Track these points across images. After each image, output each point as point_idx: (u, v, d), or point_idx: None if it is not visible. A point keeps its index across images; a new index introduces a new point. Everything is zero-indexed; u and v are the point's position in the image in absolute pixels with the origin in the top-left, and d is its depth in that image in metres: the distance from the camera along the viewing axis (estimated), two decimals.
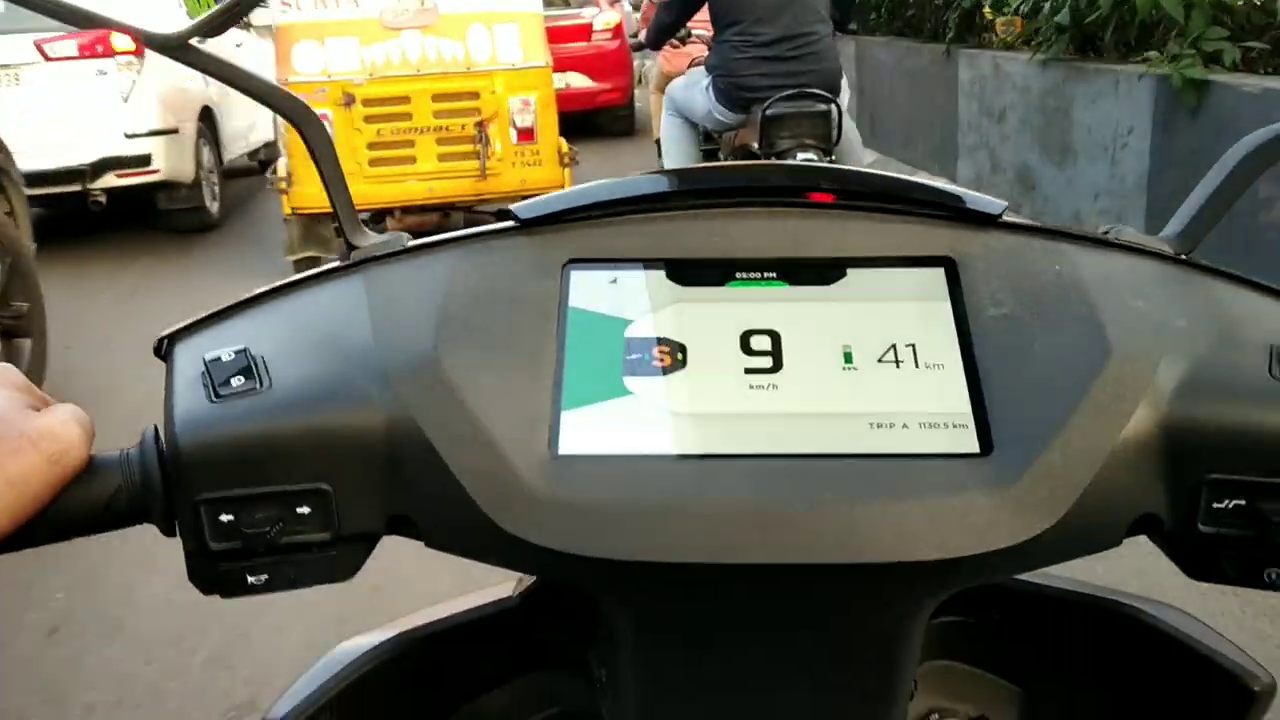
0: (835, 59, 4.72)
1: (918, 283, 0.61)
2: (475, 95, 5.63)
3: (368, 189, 5.58)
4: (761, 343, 0.59)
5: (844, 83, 4.77)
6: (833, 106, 4.44)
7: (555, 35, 10.66)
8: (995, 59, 5.23)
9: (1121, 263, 0.63)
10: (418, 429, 0.55)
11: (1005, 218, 0.63)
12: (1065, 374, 0.56)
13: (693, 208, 0.63)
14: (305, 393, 0.56)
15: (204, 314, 0.62)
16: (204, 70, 0.63)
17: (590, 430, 0.56)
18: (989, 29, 5.26)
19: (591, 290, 0.61)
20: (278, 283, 0.63)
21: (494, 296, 0.60)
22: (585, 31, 10.76)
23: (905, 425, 0.56)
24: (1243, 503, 0.55)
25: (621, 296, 0.60)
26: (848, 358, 0.58)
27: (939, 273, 0.61)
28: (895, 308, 0.60)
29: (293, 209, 5.62)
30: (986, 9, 5.17)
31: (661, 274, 0.61)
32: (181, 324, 0.61)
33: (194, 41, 0.61)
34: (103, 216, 7.09)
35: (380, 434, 0.55)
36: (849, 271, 0.61)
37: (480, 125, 5.64)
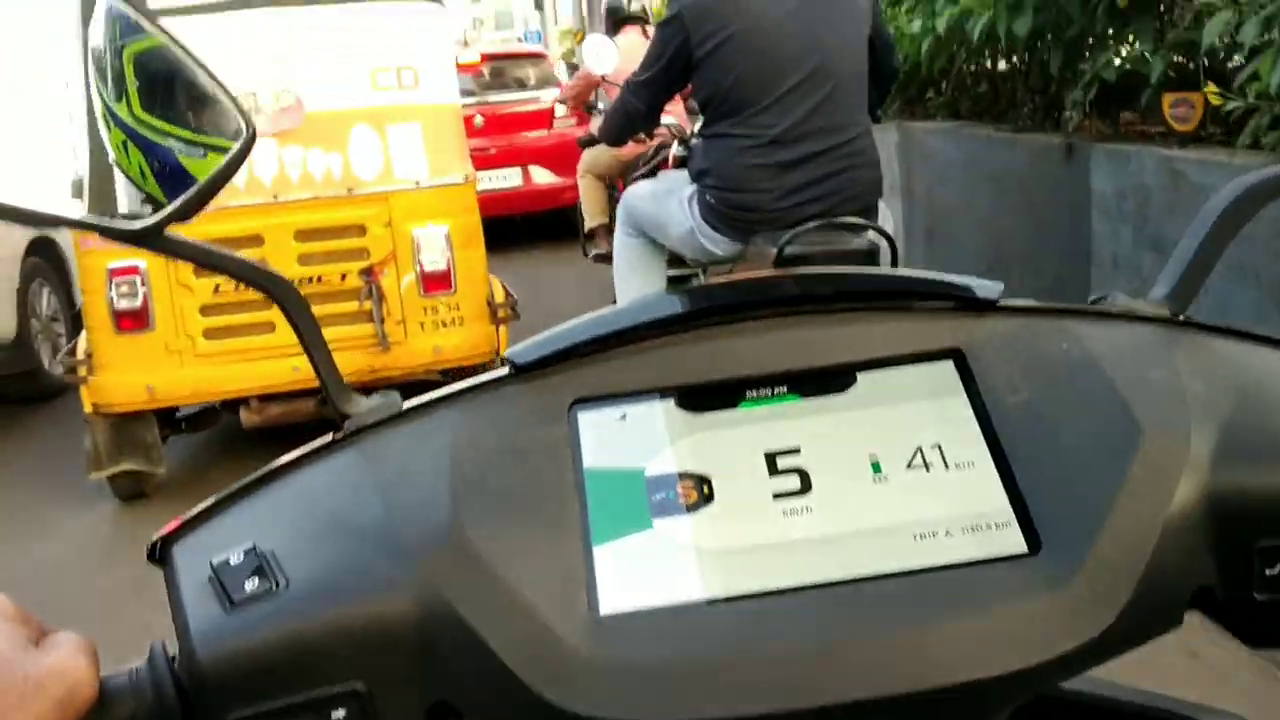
0: (877, 165, 3.08)
1: (930, 379, 0.61)
2: (361, 230, 3.83)
3: (202, 372, 3.77)
4: (786, 463, 0.58)
5: (882, 199, 3.09)
6: (882, 242, 2.73)
7: (510, 123, 9.08)
8: (1165, 159, 2.97)
9: (1124, 332, 0.63)
10: (450, 607, 0.53)
11: (1004, 301, 0.63)
12: (1100, 457, 0.56)
13: (693, 329, 0.62)
14: (326, 586, 0.54)
15: (197, 510, 0.59)
16: (181, 257, 0.61)
17: (628, 583, 0.54)
18: (1142, 114, 3.42)
19: (602, 431, 0.59)
20: (271, 465, 0.60)
21: (503, 452, 0.58)
22: (546, 118, 9.05)
23: (948, 533, 0.55)
24: None
25: (634, 433, 0.59)
26: (876, 468, 0.58)
27: (948, 366, 0.61)
28: (913, 408, 0.60)
29: (94, 405, 3.79)
30: (1209, 93, 2.87)
31: (670, 403, 0.60)
32: (175, 524, 0.59)
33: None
34: None
35: (411, 618, 0.53)
36: (859, 376, 0.61)
37: (369, 273, 3.83)
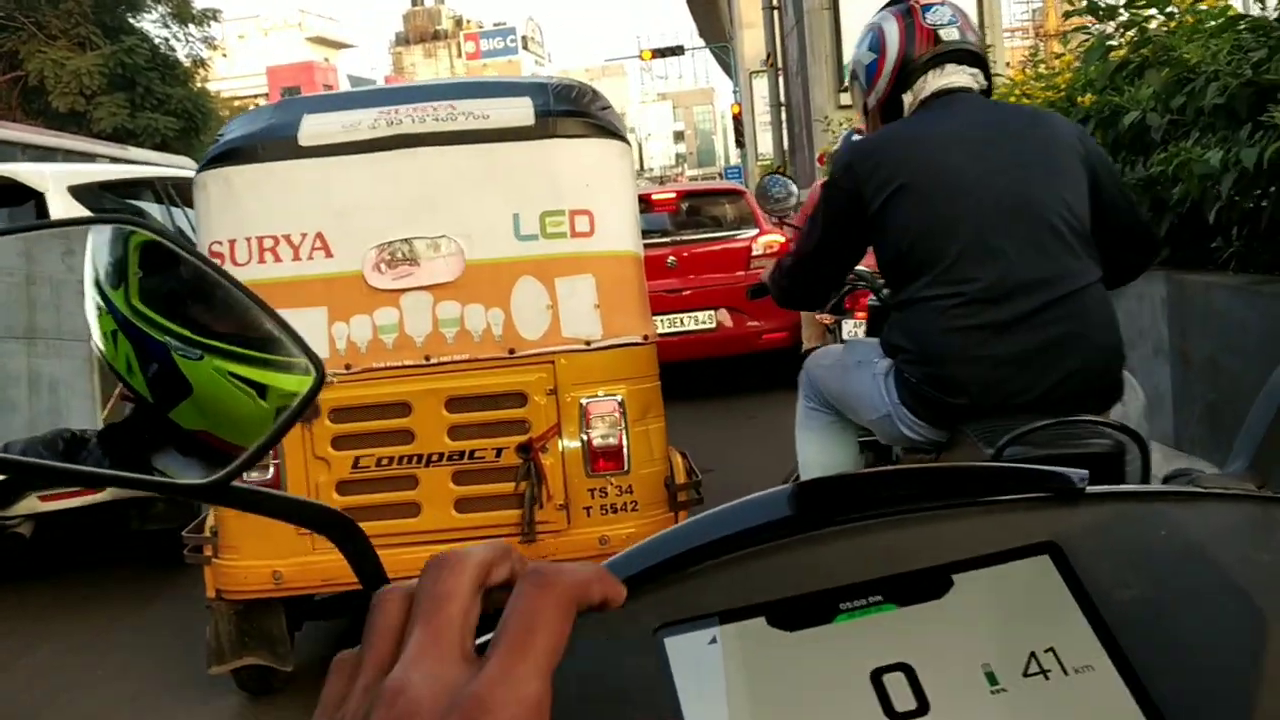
0: (1115, 327, 2.22)
1: (1029, 576, 0.58)
2: (521, 398, 3.28)
3: (335, 557, 3.25)
4: (896, 680, 0.54)
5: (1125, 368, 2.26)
6: (1133, 448, 1.96)
7: (705, 263, 8.64)
8: None
9: (1223, 513, 0.61)
10: None
11: (1089, 488, 0.61)
12: (1229, 653, 0.53)
13: (779, 540, 0.60)
14: None
15: None
16: (250, 509, 0.60)
17: None
18: None
19: (692, 656, 0.55)
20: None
21: (590, 692, 0.54)
22: (742, 257, 8.52)
23: None
24: None
25: (727, 657, 0.56)
26: (991, 679, 0.54)
27: (1045, 561, 0.58)
28: (1016, 608, 0.57)
29: (218, 591, 3.32)
30: None
31: (762, 621, 0.57)
32: None
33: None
34: None
35: None
36: (955, 579, 0.58)
37: (528, 448, 3.27)
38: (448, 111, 3.38)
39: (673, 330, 8.35)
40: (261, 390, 0.62)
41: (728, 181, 15.53)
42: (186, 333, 0.60)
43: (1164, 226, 3.97)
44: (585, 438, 3.27)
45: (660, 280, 8.32)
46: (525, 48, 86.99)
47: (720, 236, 8.74)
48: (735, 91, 34.33)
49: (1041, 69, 6.81)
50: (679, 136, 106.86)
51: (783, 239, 8.60)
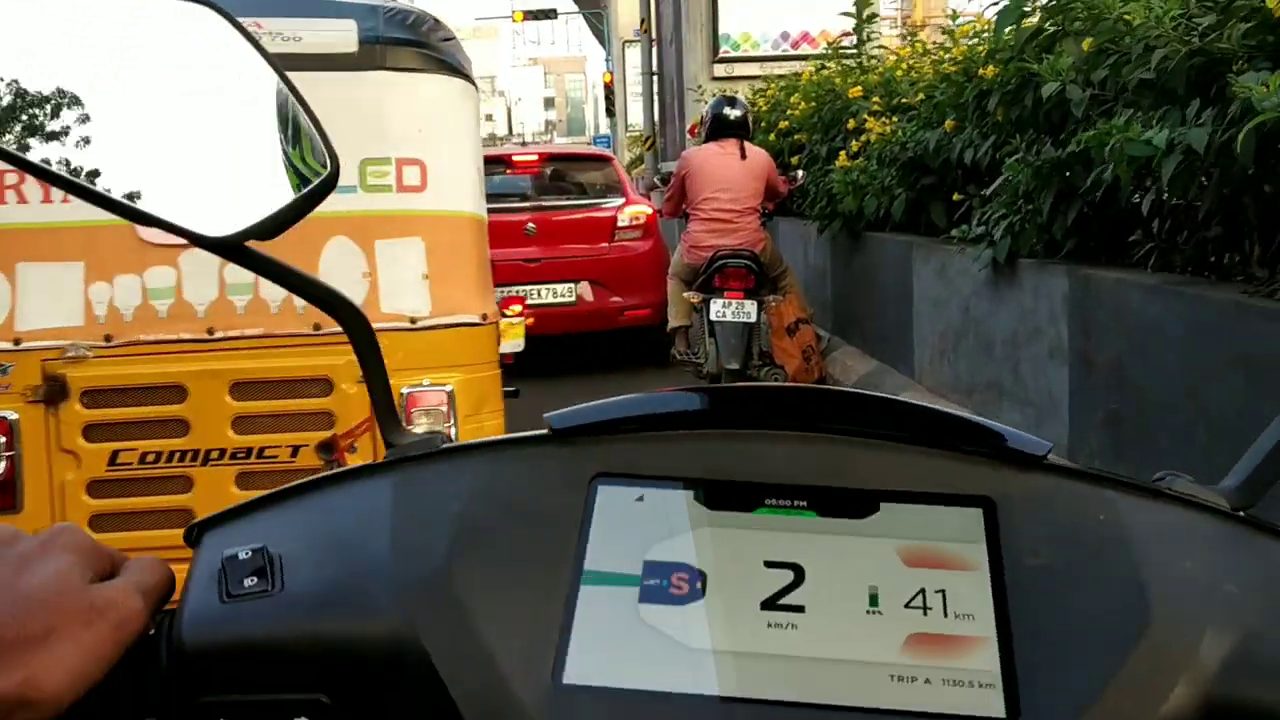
0: None
1: (954, 523, 0.59)
2: (326, 385, 2.67)
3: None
4: (785, 577, 0.58)
5: None
6: None
7: (565, 231, 8.01)
8: None
9: (1172, 516, 0.60)
10: (421, 647, 0.55)
11: (1050, 459, 0.62)
12: (1102, 639, 0.54)
13: (727, 427, 0.63)
14: (315, 598, 0.57)
15: (238, 504, 0.63)
16: (258, 271, 0.64)
17: (598, 659, 0.55)
18: None
19: (617, 507, 0.60)
20: (311, 478, 0.65)
21: (518, 508, 0.60)
22: (607, 227, 7.99)
23: (928, 681, 0.54)
24: None
25: (647, 516, 0.60)
26: (873, 600, 0.57)
27: (977, 514, 0.59)
28: (928, 548, 0.58)
29: None
30: None
31: (689, 495, 0.61)
32: (214, 513, 0.63)
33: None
34: None
35: (384, 647, 0.55)
36: (882, 506, 0.60)
37: (331, 447, 2.66)
38: (251, 30, 2.73)
39: (530, 303, 7.78)
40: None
41: (596, 147, 14.91)
42: None
43: (1071, 215, 3.60)
44: None
45: (518, 249, 7.72)
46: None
47: (584, 204, 8.18)
48: (608, 60, 33.74)
49: (928, 45, 6.48)
50: (549, 103, 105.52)
51: (650, 210, 8.10)
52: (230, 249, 0.63)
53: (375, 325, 2.25)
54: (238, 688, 0.55)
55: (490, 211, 3.17)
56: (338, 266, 2.67)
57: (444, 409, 2.71)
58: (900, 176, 5.31)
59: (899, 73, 6.30)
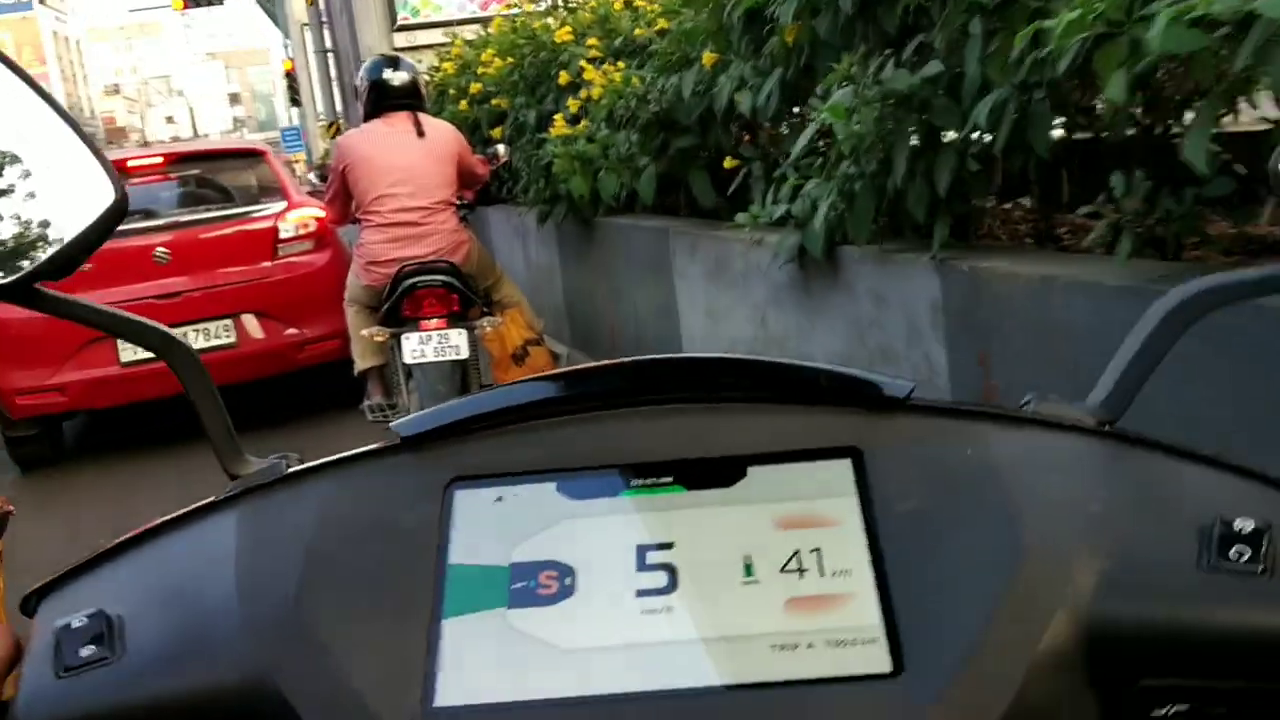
0: None
1: (823, 478, 0.58)
2: None
3: None
4: (656, 558, 0.56)
5: None
6: None
7: (212, 251, 6.06)
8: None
9: (1039, 439, 0.60)
10: (277, 690, 0.51)
11: (914, 399, 0.60)
12: (978, 577, 0.53)
13: (583, 411, 0.61)
14: (159, 658, 0.54)
15: (71, 565, 0.60)
16: (55, 313, 0.61)
17: (470, 676, 0.53)
18: None
19: (476, 512, 0.58)
20: (149, 524, 0.61)
21: (369, 528, 0.57)
22: (266, 241, 6.15)
23: (811, 645, 0.53)
24: (1185, 709, 0.52)
25: (508, 516, 0.58)
26: (748, 569, 0.55)
27: (845, 465, 0.58)
28: (799, 508, 0.57)
29: None
30: None
31: (551, 487, 0.59)
32: (47, 579, 0.59)
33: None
34: None
35: (236, 698, 0.52)
36: (750, 470, 0.58)
37: None
38: None
39: None
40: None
41: (243, 140, 12.67)
42: None
43: (944, 178, 2.20)
44: None
45: (147, 282, 5.79)
46: (43, 2, 76.36)
47: (234, 215, 6.26)
48: (286, 45, 31.14)
49: None
50: (235, 99, 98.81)
51: (320, 213, 6.25)
52: (19, 292, 0.59)
53: None
54: None
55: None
56: None
57: None
58: (643, 142, 3.79)
59: (617, 5, 4.79)
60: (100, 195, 0.61)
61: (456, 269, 4.34)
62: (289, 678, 0.51)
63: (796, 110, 3.06)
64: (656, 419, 0.60)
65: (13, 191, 0.62)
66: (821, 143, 2.65)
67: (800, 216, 2.73)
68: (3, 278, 0.59)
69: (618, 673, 0.52)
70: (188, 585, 0.56)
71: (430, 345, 4.28)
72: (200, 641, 0.53)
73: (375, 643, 0.52)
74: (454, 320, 4.28)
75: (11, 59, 0.63)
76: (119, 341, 5.39)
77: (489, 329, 4.47)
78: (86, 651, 0.53)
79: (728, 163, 3.34)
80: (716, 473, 0.58)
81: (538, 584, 0.55)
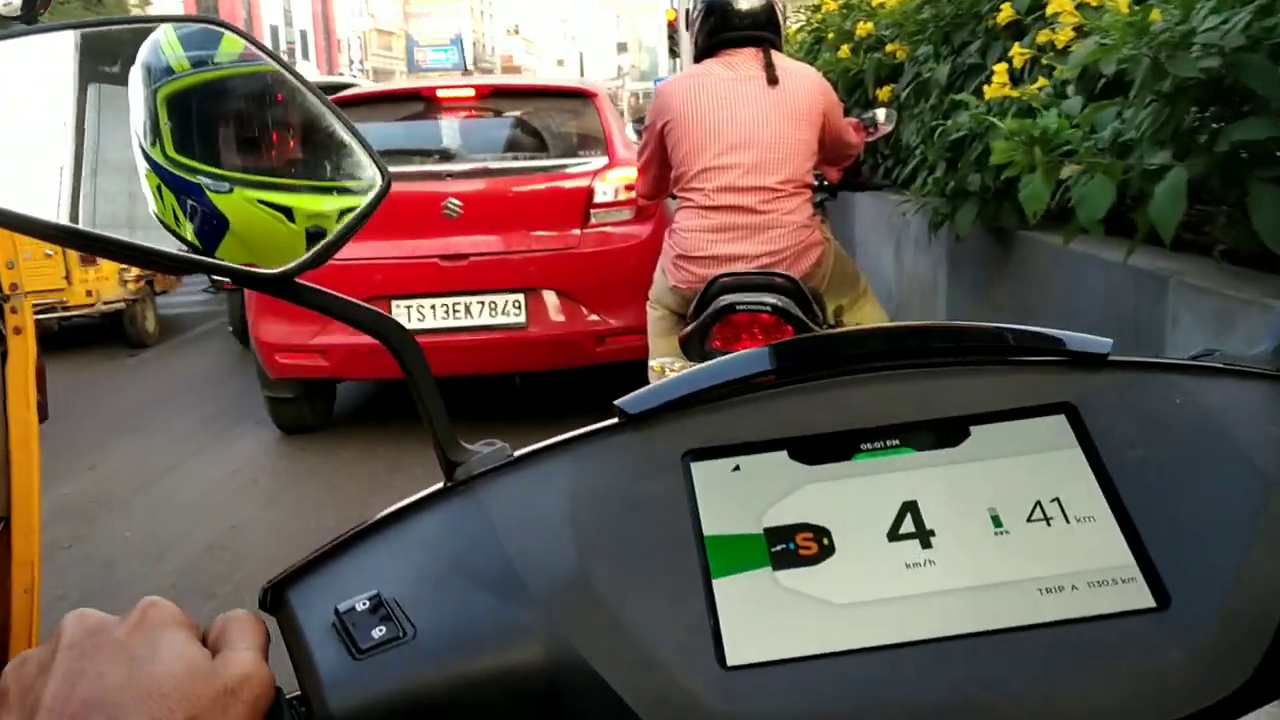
0: None
1: (1043, 433, 0.60)
2: None
3: None
4: (904, 517, 0.57)
5: None
6: None
7: (511, 209, 4.53)
8: None
9: (1235, 388, 0.62)
10: (580, 658, 0.53)
11: (1112, 356, 0.62)
12: (1225, 511, 0.55)
13: (805, 380, 0.63)
14: (456, 635, 0.54)
15: (310, 557, 0.59)
16: (310, 306, 0.61)
17: (753, 636, 0.54)
18: None
19: (716, 481, 0.59)
20: (383, 513, 0.61)
21: (621, 502, 0.59)
22: (577, 202, 4.94)
23: (1074, 587, 0.54)
24: None
25: (749, 484, 0.59)
26: (996, 522, 0.57)
27: (1061, 420, 0.60)
28: (1028, 462, 0.59)
29: None
30: None
31: (784, 455, 0.60)
32: (288, 570, 0.59)
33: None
34: None
35: (539, 669, 0.53)
36: (972, 430, 0.60)
37: None
38: None
39: (450, 325, 4.80)
40: (289, 214, 0.64)
41: (569, 80, 11.50)
42: (214, 169, 0.61)
43: None
44: None
45: (432, 239, 4.74)
46: None
47: (543, 168, 5.10)
48: None
49: None
50: (622, 48, 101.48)
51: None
52: (282, 285, 0.60)
53: None
54: None
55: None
56: None
57: None
58: (1166, 123, 2.09)
59: None
60: (365, 181, 0.63)
61: (797, 285, 2.86)
62: (594, 648, 0.52)
63: None
64: (878, 385, 0.61)
65: (283, 184, 0.63)
66: None
67: None
68: (266, 270, 0.59)
69: (895, 624, 0.53)
70: (457, 565, 0.56)
71: None
72: (492, 617, 0.53)
73: (661, 610, 0.53)
74: None
75: (282, 58, 0.63)
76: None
77: None
78: (378, 632, 0.53)
79: None
80: (942, 433, 0.59)
81: (797, 546, 0.56)
